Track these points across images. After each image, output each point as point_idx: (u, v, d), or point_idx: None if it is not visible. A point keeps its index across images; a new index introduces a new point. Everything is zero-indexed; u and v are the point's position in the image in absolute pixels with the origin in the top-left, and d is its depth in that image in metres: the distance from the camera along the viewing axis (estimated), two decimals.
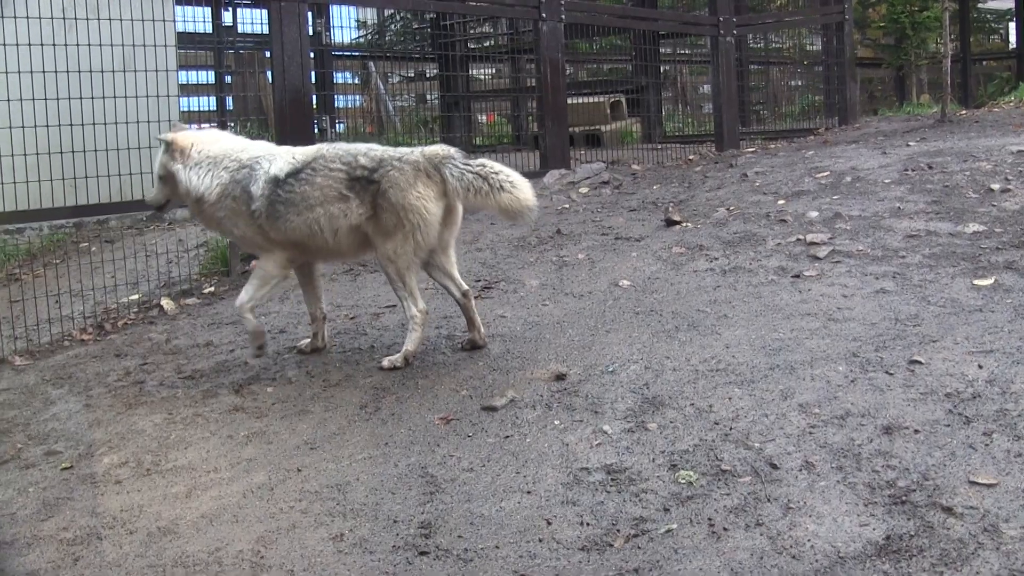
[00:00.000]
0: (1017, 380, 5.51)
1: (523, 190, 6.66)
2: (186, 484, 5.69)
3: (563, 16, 12.82)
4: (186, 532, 5.20)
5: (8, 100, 8.79)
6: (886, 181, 10.04)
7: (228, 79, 17.93)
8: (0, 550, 5.25)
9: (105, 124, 9.17)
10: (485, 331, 7.12)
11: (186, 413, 6.61)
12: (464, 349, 7.08)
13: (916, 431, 5.19)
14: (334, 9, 18.19)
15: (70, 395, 7.17)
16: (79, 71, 9.24)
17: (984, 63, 27.54)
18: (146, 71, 9.71)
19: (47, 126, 8.95)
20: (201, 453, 6.04)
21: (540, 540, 4.75)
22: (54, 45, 9.16)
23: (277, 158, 7.00)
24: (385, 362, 6.90)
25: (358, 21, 22.64)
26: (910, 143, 12.27)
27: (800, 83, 23.94)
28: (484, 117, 20.29)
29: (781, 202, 9.74)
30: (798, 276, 7.61)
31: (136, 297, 9.29)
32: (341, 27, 18.84)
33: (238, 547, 4.99)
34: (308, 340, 7.48)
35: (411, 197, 6.64)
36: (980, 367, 5.76)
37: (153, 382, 7.20)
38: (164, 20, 10.01)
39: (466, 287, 7.10)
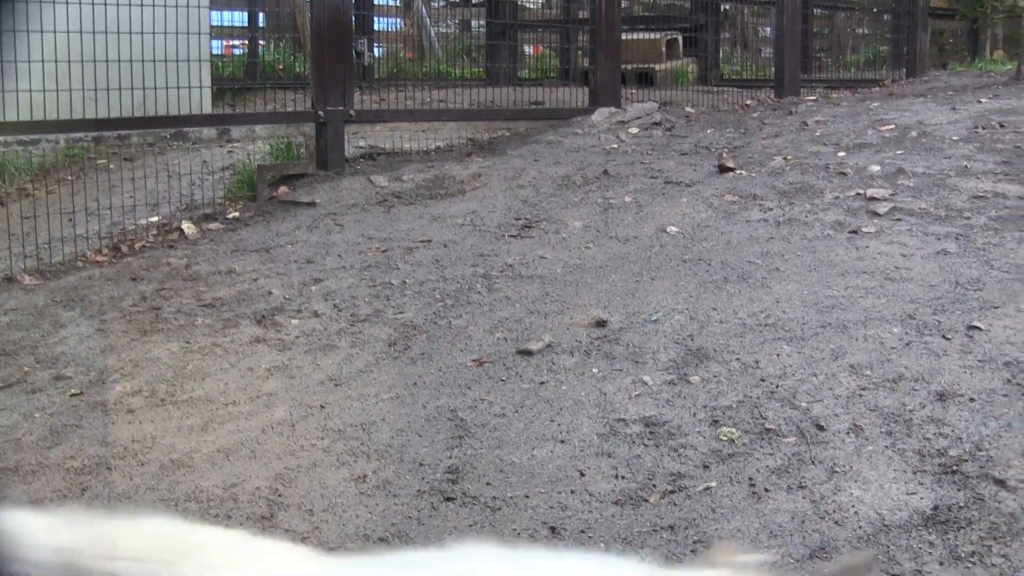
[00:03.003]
0: None
1: None
2: (202, 416, 5.76)
3: None
4: (201, 466, 5.27)
5: (26, 3, 8.81)
6: (954, 138, 10.00)
7: None
8: (3, 477, 5.33)
9: (130, 33, 9.16)
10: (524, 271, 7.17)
11: (204, 343, 6.67)
12: None
13: (971, 399, 5.21)
14: None
15: (82, 318, 7.23)
16: None
17: None
18: None
19: (67, 32, 8.97)
20: (219, 385, 6.10)
21: (572, 492, 4.80)
22: None
23: None
24: None
25: None
26: (981, 100, 12.20)
27: (866, 31, 23.78)
28: (531, 48, 20.24)
29: (841, 154, 9.71)
30: (856, 232, 7.59)
31: (155, 219, 9.32)
32: None
33: (255, 484, 5.06)
34: None
35: None
36: None
37: (170, 309, 7.25)
38: None
39: None
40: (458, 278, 7.28)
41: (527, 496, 4.79)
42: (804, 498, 4.61)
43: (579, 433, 5.25)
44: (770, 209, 8.20)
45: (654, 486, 4.80)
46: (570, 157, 10.30)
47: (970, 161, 9.07)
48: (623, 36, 13.74)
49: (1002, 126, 10.29)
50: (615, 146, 10.79)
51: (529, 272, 7.31)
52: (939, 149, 9.60)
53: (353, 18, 11.28)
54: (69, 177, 10.63)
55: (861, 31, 23.80)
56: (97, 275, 8.05)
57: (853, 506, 4.51)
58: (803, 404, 5.30)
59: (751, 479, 4.77)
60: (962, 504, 4.46)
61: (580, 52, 18.22)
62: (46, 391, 6.23)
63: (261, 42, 17.06)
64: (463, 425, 5.41)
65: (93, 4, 9.05)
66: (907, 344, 5.78)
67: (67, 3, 8.90)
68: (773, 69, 15.85)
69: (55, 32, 8.91)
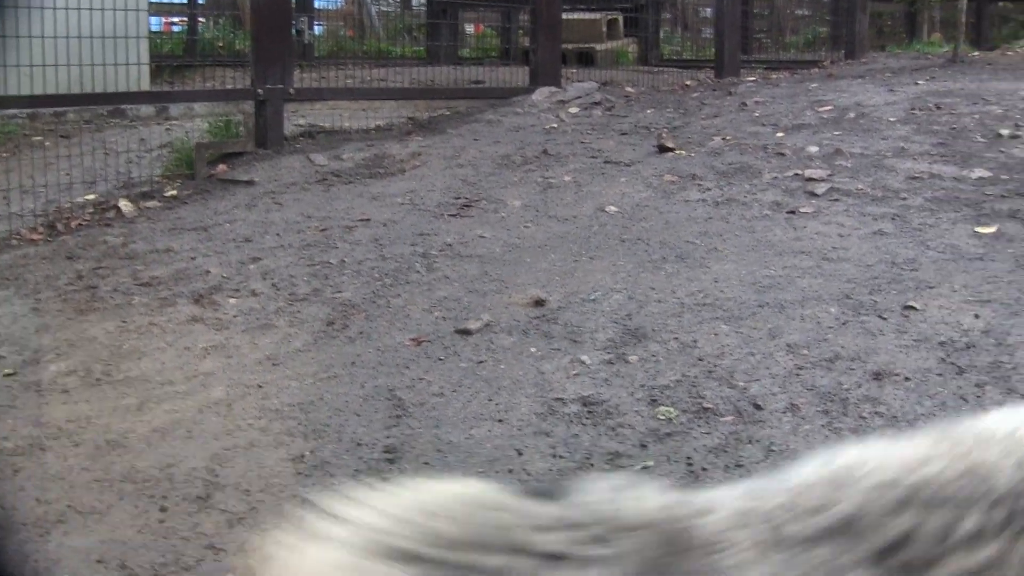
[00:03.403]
0: (1013, 332, 5.55)
1: None
2: (138, 396, 5.70)
3: None
4: (136, 446, 5.21)
5: None
6: (891, 119, 10.05)
7: None
8: None
9: (67, 8, 9.07)
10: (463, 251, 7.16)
11: (141, 322, 6.60)
12: None
13: (907, 379, 5.23)
14: None
15: (16, 297, 7.15)
16: None
17: (1000, 4, 27.39)
18: None
19: (2, 7, 8.87)
20: (155, 364, 6.04)
21: (510, 471, 4.78)
22: None
23: None
24: None
25: None
26: (918, 82, 12.27)
27: (806, 13, 23.87)
28: (472, 28, 20.18)
29: (780, 134, 9.74)
30: (793, 212, 7.61)
31: (92, 197, 9.22)
32: None
33: (191, 464, 5.01)
34: None
35: None
36: (976, 317, 5.80)
37: (107, 287, 7.17)
38: None
39: None
40: (397, 257, 7.24)
41: (465, 475, 4.76)
42: (741, 477, 4.59)
43: (517, 412, 5.23)
44: (709, 189, 8.21)
45: (592, 465, 4.78)
46: (510, 136, 10.28)
47: (907, 142, 9.12)
48: (564, 16, 13.74)
49: (939, 108, 10.36)
50: (555, 126, 10.77)
51: (468, 251, 7.28)
52: (876, 130, 9.65)
53: None
54: (4, 154, 10.50)
55: (801, 12, 23.90)
56: (32, 253, 7.96)
57: None
58: (740, 383, 5.31)
59: (689, 458, 4.77)
60: None
61: (521, 32, 18.19)
62: None
63: (201, 19, 16.96)
64: (401, 404, 5.38)
65: None
66: (844, 324, 5.80)
67: None
68: (713, 50, 15.87)
69: None
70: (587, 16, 18.30)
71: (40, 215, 8.80)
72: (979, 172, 8.30)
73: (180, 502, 4.76)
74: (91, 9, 9.13)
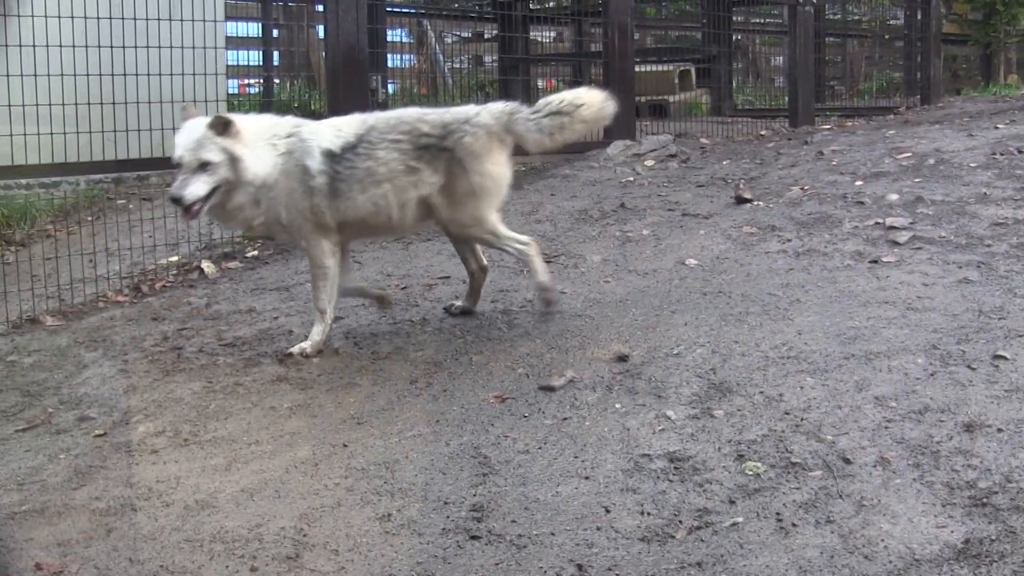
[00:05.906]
0: None
1: (593, 98, 6.95)
2: (226, 456, 5.73)
3: None
4: (225, 506, 5.23)
5: (47, 46, 8.81)
6: (972, 165, 9.97)
7: (275, 33, 17.93)
8: (29, 519, 5.29)
9: (148, 75, 9.19)
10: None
11: (226, 382, 6.65)
12: (452, 315, 7.42)
13: (999, 430, 5.15)
14: None
15: (104, 359, 7.21)
16: (122, 18, 9.28)
17: None
18: (192, 20, 9.74)
19: (87, 75, 9.00)
20: (242, 424, 6.07)
21: (598, 528, 4.76)
22: None
23: (322, 131, 6.91)
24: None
25: None
26: (998, 125, 12.17)
27: (878, 58, 23.78)
28: (543, 82, 20.21)
29: (859, 183, 9.69)
30: (876, 262, 7.56)
31: (175, 259, 9.32)
32: None
33: (280, 524, 5.02)
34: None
35: (489, 164, 6.83)
36: None
37: (192, 348, 7.24)
38: None
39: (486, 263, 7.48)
40: (477, 314, 7.25)
41: (553, 533, 4.75)
42: (832, 533, 4.56)
43: (603, 469, 5.21)
44: (789, 240, 8.17)
45: (680, 522, 4.75)
46: (586, 190, 10.30)
47: (989, 188, 9.03)
48: (636, 68, 13.74)
49: (1020, 152, 10.27)
50: (631, 179, 10.77)
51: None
52: (957, 176, 9.57)
53: (367, 55, 11.28)
54: (89, 218, 10.62)
55: (874, 58, 23.82)
56: (119, 315, 8.04)
57: (883, 540, 4.46)
58: (828, 437, 5.25)
59: (778, 514, 4.72)
60: (994, 537, 4.40)
61: (593, 85, 18.22)
62: (70, 432, 6.21)
63: (276, 80, 17.10)
64: (487, 462, 5.37)
65: (112, 47, 9.06)
66: (932, 375, 5.73)
67: (87, 47, 8.90)
68: (787, 98, 15.85)
69: (75, 76, 8.93)
70: (659, 68, 18.32)
71: (126, 277, 8.89)
72: None
73: (270, 562, 4.77)
74: (171, 75, 9.24)
